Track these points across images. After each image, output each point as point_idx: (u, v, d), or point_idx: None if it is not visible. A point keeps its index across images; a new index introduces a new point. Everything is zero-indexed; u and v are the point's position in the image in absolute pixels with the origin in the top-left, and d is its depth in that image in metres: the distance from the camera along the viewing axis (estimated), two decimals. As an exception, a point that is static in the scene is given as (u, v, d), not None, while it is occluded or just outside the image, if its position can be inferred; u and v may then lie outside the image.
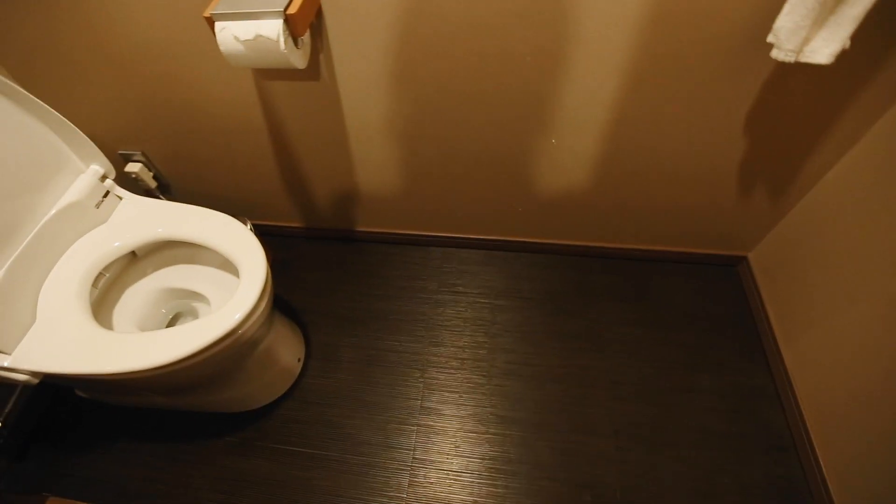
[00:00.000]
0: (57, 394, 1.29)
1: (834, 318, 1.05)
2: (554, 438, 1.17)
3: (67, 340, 0.88)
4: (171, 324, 1.19)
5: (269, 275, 0.95)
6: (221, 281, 1.11)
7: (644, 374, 1.26)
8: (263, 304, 0.93)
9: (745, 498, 1.07)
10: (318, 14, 0.88)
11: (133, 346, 0.86)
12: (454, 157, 1.20)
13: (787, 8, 0.72)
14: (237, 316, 0.88)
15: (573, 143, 1.11)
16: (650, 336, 1.33)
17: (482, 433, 1.19)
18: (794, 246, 1.20)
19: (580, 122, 1.06)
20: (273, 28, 0.76)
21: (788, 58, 0.76)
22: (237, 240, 1.00)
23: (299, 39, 0.83)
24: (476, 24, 0.88)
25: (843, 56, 0.74)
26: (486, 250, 1.52)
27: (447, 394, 1.26)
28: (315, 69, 1.01)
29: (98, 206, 1.02)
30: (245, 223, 1.08)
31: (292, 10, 0.76)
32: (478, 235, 1.48)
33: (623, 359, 1.29)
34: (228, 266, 1.13)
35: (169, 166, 1.37)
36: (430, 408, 1.24)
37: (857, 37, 0.72)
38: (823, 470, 1.04)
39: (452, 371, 1.29)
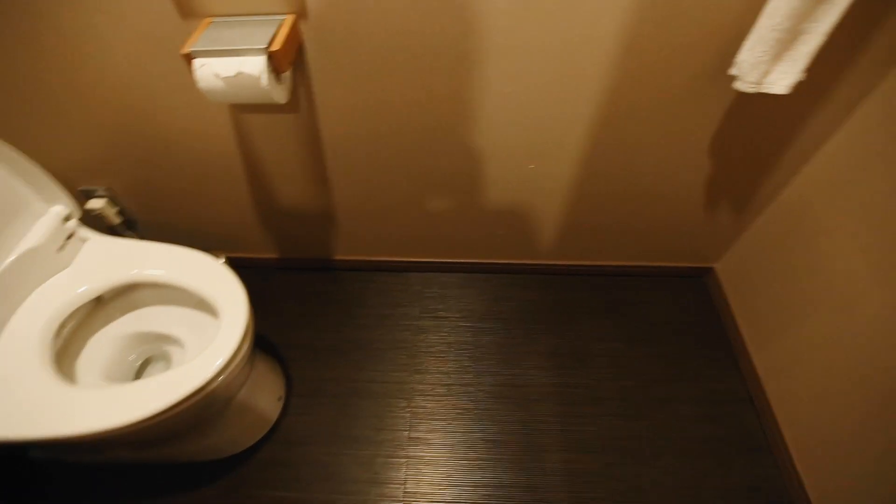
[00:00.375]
0: (10, 454, 1.18)
1: (799, 324, 1.12)
2: (544, 459, 1.18)
3: (24, 402, 0.80)
4: (141, 370, 1.11)
5: (251, 315, 0.92)
6: (197, 322, 1.06)
7: (624, 387, 1.29)
8: (245, 347, 0.89)
9: (728, 501, 1.11)
10: (300, 49, 0.87)
11: (99, 403, 0.80)
12: (432, 185, 1.20)
13: (748, 45, 0.78)
14: (218, 362, 0.83)
15: (551, 167, 1.14)
16: (627, 350, 1.37)
17: (473, 460, 1.18)
18: (757, 257, 1.28)
19: (558, 148, 1.09)
20: (255, 65, 0.75)
21: (750, 89, 0.82)
22: (214, 279, 0.95)
23: (281, 75, 0.82)
24: (455, 56, 0.90)
25: (797, 85, 0.81)
26: (466, 273, 1.52)
27: (435, 422, 1.24)
28: (294, 102, 0.99)
29: (60, 249, 0.96)
30: (219, 258, 1.04)
31: (275, 46, 0.75)
32: (457, 259, 1.48)
33: (603, 374, 1.32)
34: (203, 305, 1.07)
35: (137, 200, 1.30)
36: (418, 438, 1.21)
37: (809, 68, 0.78)
38: (798, 468, 1.10)
39: (439, 398, 1.28)
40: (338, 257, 1.50)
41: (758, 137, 1.05)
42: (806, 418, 1.09)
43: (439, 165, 1.15)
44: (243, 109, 1.02)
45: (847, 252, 0.98)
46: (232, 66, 0.75)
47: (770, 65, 0.78)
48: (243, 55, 0.74)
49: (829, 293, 1.02)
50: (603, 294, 1.49)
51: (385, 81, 0.95)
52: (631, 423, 1.23)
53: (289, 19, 0.80)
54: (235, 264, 1.52)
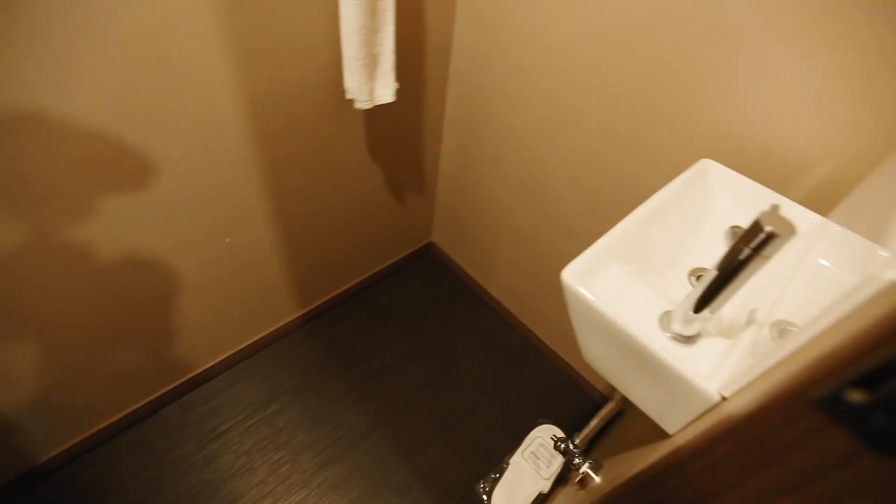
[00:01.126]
0: None
1: (497, 250, 1.42)
2: (396, 480, 1.20)
3: None
4: None
5: None
6: None
7: (424, 373, 1.41)
8: None
9: (520, 390, 1.37)
10: None
11: None
12: (108, 311, 1.02)
13: (346, 74, 0.90)
14: None
15: (246, 234, 1.10)
16: (410, 341, 1.49)
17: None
18: (452, 216, 1.54)
19: (242, 214, 1.06)
20: None
21: (367, 105, 0.96)
22: None
23: None
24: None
25: (399, 91, 0.98)
26: (226, 371, 1.37)
27: (278, 535, 1.11)
28: None
29: None
30: None
31: None
32: (206, 365, 1.31)
33: (401, 374, 1.41)
34: None
35: None
36: (270, 565, 1.07)
37: (398, 78, 0.96)
38: (539, 336, 1.43)
39: (269, 510, 1.14)
40: (44, 458, 1.13)
41: (400, 132, 1.25)
42: (533, 309, 1.41)
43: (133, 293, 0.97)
44: None
45: (501, 186, 1.28)
46: None
47: (370, 84, 0.93)
48: None
49: (500, 216, 1.33)
50: (367, 309, 1.56)
51: None
52: (446, 399, 1.36)
53: None
54: None
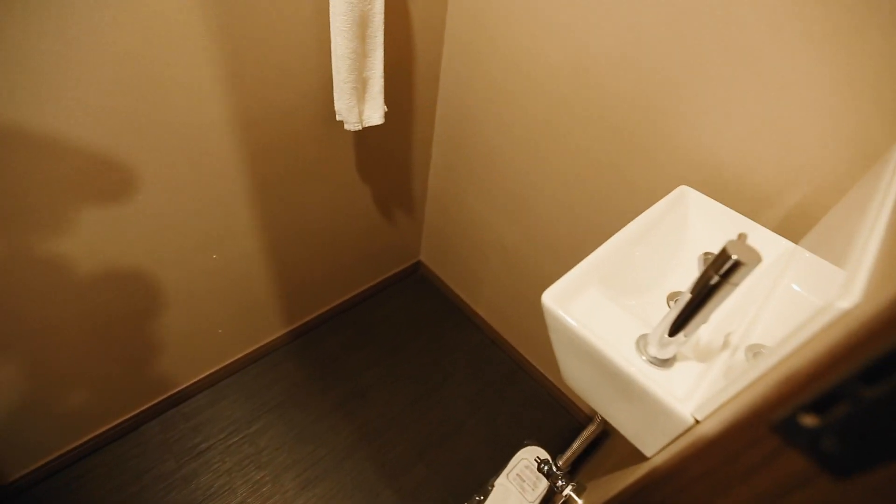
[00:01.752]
0: None
1: (484, 270, 1.43)
2: (379, 502, 1.18)
3: None
4: None
5: None
6: None
7: (409, 392, 1.41)
8: None
9: (506, 410, 1.36)
10: None
11: None
12: (102, 319, 1.01)
13: (336, 97, 0.92)
14: None
15: (233, 250, 1.11)
16: (395, 361, 1.48)
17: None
18: (440, 236, 1.56)
19: (229, 231, 1.07)
20: None
21: (356, 127, 0.98)
22: None
23: None
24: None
25: (388, 114, 1.00)
26: (209, 388, 1.35)
27: (257, 559, 1.09)
28: None
29: None
30: None
31: None
32: (189, 382, 1.29)
33: (387, 393, 1.40)
34: None
35: None
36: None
37: (387, 101, 0.99)
38: (525, 357, 1.43)
39: (248, 532, 1.12)
40: (14, 476, 1.10)
41: (389, 153, 1.27)
42: (520, 329, 1.42)
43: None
44: None
45: (487, 207, 1.30)
46: None
47: (360, 106, 0.95)
48: None
49: (487, 236, 1.35)
50: (351, 327, 1.55)
51: None
52: (430, 416, 1.35)
53: None
54: None
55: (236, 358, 1.36)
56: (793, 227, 0.73)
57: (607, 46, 0.83)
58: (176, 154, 0.87)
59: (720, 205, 0.74)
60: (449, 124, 1.27)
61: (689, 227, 0.75)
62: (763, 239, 0.70)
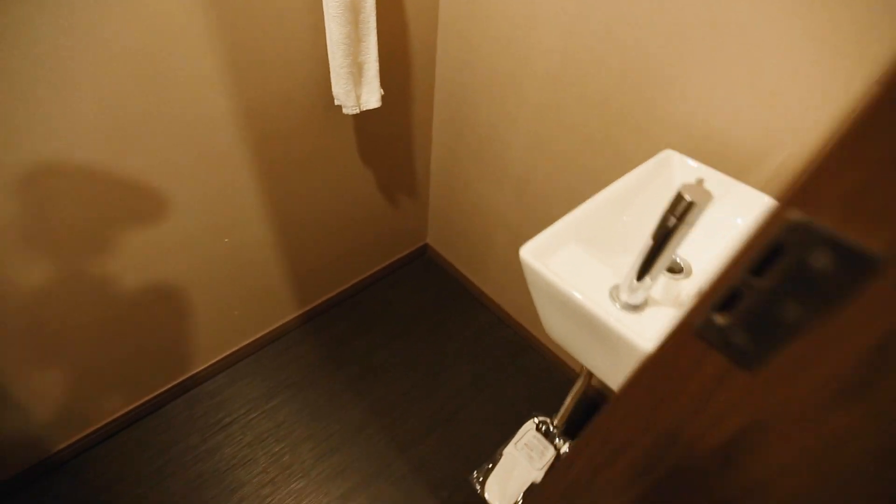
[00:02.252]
0: None
1: (490, 250, 1.47)
2: (391, 471, 1.24)
3: None
4: None
5: None
6: None
7: (420, 370, 1.46)
8: None
9: (515, 385, 1.40)
10: None
11: None
12: (128, 303, 1.09)
13: (333, 81, 0.97)
14: None
15: (244, 234, 1.17)
16: (405, 340, 1.53)
17: (334, 526, 1.15)
18: (445, 217, 1.60)
19: (242, 215, 1.13)
20: None
21: (354, 111, 1.02)
22: None
23: None
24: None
25: (384, 96, 1.04)
26: (229, 368, 1.42)
27: (279, 522, 1.15)
28: None
29: None
30: None
31: None
32: (210, 362, 1.37)
33: (397, 371, 1.45)
34: None
35: None
36: (270, 552, 1.11)
37: (385, 85, 1.03)
38: (533, 333, 1.46)
39: (269, 497, 1.19)
40: (61, 447, 1.19)
41: (390, 136, 1.31)
42: (527, 305, 1.45)
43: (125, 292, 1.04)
44: None
45: (489, 186, 1.33)
46: None
47: (357, 91, 1.00)
48: None
49: (491, 216, 1.38)
50: (363, 309, 1.61)
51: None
52: (438, 395, 1.40)
53: None
54: None
55: (253, 339, 1.44)
56: (778, 186, 0.75)
57: (593, 22, 0.85)
58: (185, 143, 0.93)
59: (705, 166, 0.76)
60: (448, 106, 1.31)
61: (671, 188, 0.78)
62: (749, 197, 0.72)
